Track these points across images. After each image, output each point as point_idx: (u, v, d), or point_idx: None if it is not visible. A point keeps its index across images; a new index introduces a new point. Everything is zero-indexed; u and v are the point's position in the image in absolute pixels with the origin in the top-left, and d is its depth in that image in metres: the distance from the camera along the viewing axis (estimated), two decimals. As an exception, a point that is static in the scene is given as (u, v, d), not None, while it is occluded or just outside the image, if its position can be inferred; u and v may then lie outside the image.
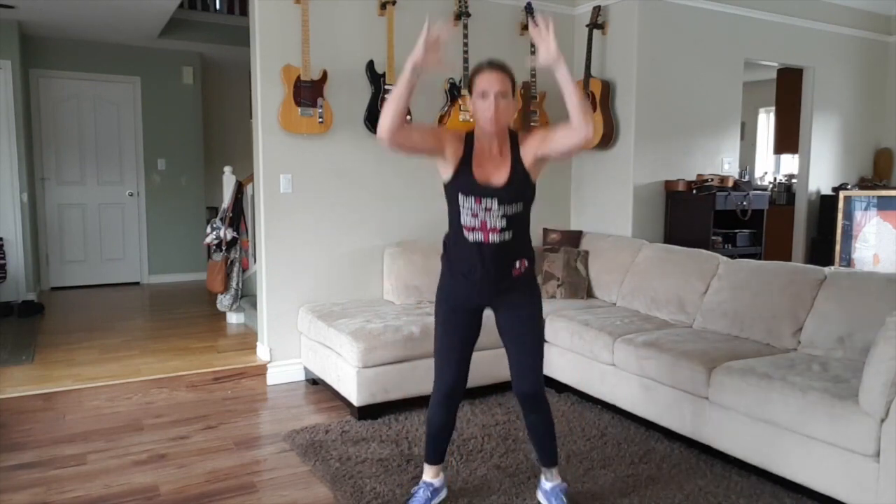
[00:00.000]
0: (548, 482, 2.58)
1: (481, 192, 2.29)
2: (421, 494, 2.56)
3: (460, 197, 2.32)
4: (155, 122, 7.14)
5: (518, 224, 2.35)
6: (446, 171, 2.36)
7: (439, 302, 2.50)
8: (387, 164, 4.37)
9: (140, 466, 2.97)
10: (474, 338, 2.51)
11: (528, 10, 4.65)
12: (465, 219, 2.33)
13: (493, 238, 2.31)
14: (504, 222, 2.30)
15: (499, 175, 2.31)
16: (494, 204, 2.28)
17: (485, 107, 2.25)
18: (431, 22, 2.12)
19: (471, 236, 2.33)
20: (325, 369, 3.83)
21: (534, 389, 2.45)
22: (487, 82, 2.25)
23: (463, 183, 2.32)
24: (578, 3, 4.97)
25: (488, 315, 2.50)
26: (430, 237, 4.51)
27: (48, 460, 3.03)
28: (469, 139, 2.36)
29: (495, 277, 2.37)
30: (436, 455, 2.60)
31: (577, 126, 2.16)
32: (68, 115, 6.78)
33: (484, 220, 2.30)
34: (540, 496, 2.62)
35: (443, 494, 2.64)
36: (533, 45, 4.68)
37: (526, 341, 2.44)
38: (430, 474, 2.61)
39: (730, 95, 5.04)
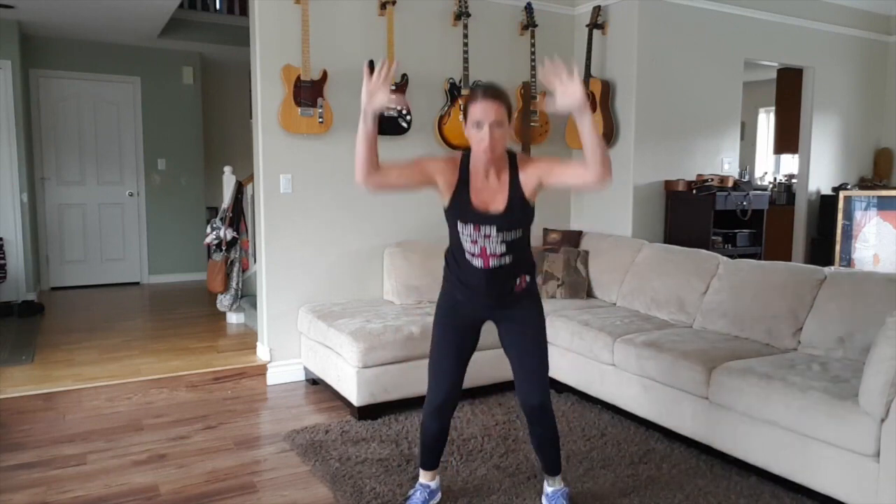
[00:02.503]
0: (550, 487, 2.59)
1: (479, 219, 2.27)
2: (418, 496, 2.56)
3: (459, 224, 2.31)
4: (155, 122, 7.14)
5: (518, 247, 2.32)
6: (444, 198, 2.34)
7: (438, 316, 2.49)
8: (387, 164, 4.37)
9: (140, 466, 2.97)
10: (470, 352, 2.50)
11: (528, 9, 4.65)
12: (466, 245, 2.32)
13: (494, 263, 2.30)
14: (504, 248, 2.29)
15: (496, 202, 2.28)
16: (493, 231, 2.26)
17: (479, 137, 2.20)
18: (374, 66, 2.12)
19: (472, 261, 2.32)
20: (325, 369, 3.83)
21: (541, 402, 2.42)
22: (482, 112, 2.18)
23: (461, 210, 2.30)
24: (578, 3, 4.97)
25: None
26: (430, 237, 4.52)
27: (48, 460, 3.03)
28: (465, 160, 2.33)
29: (497, 296, 2.37)
30: (431, 461, 2.59)
31: (596, 174, 2.09)
32: (68, 115, 6.78)
33: (483, 247, 2.29)
34: (544, 502, 2.61)
35: (438, 497, 2.64)
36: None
37: (531, 354, 2.42)
38: (426, 477, 2.61)
39: (730, 95, 5.04)
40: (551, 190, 2.36)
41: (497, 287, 2.35)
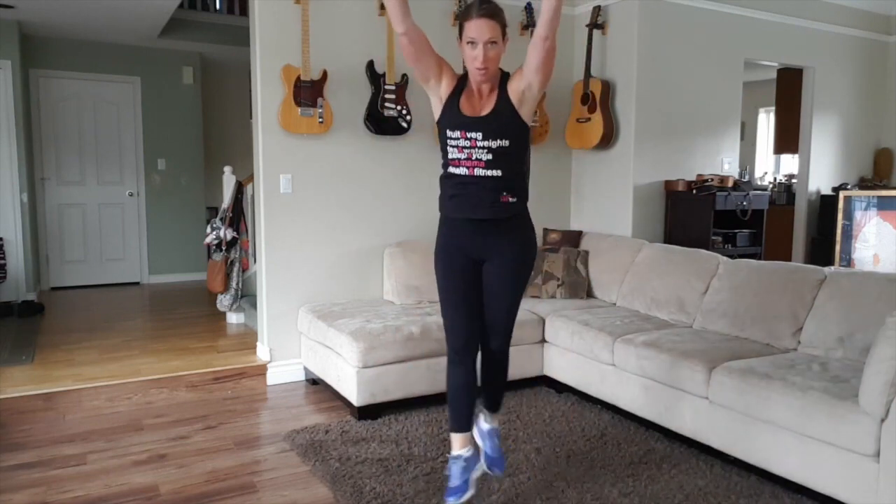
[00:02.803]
0: (486, 423, 2.63)
1: (466, 124, 2.32)
2: (454, 471, 2.47)
3: (447, 132, 2.36)
4: (155, 122, 7.14)
5: (506, 162, 2.33)
6: (437, 107, 2.42)
7: (436, 255, 2.50)
8: (387, 164, 4.37)
9: (140, 466, 2.97)
10: (479, 288, 2.48)
11: (528, 9, 4.65)
12: (453, 153, 2.36)
13: (478, 172, 2.33)
14: (489, 156, 2.31)
15: (484, 109, 2.35)
16: (479, 137, 2.30)
17: (473, 55, 2.26)
18: None
19: (457, 170, 2.36)
20: (325, 369, 3.83)
21: (499, 347, 2.53)
22: (476, 31, 2.23)
23: (450, 117, 2.36)
24: (578, 3, 4.97)
25: None
26: (430, 237, 4.50)
27: (48, 460, 3.03)
28: (463, 79, 2.41)
29: (482, 206, 2.35)
30: (458, 421, 2.50)
31: (541, 29, 2.18)
32: (68, 115, 6.78)
33: (469, 154, 2.33)
34: (476, 435, 2.63)
35: (481, 463, 2.55)
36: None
37: (500, 301, 2.46)
38: (456, 445, 2.50)
39: (730, 95, 5.04)
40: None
41: (481, 196, 2.34)
